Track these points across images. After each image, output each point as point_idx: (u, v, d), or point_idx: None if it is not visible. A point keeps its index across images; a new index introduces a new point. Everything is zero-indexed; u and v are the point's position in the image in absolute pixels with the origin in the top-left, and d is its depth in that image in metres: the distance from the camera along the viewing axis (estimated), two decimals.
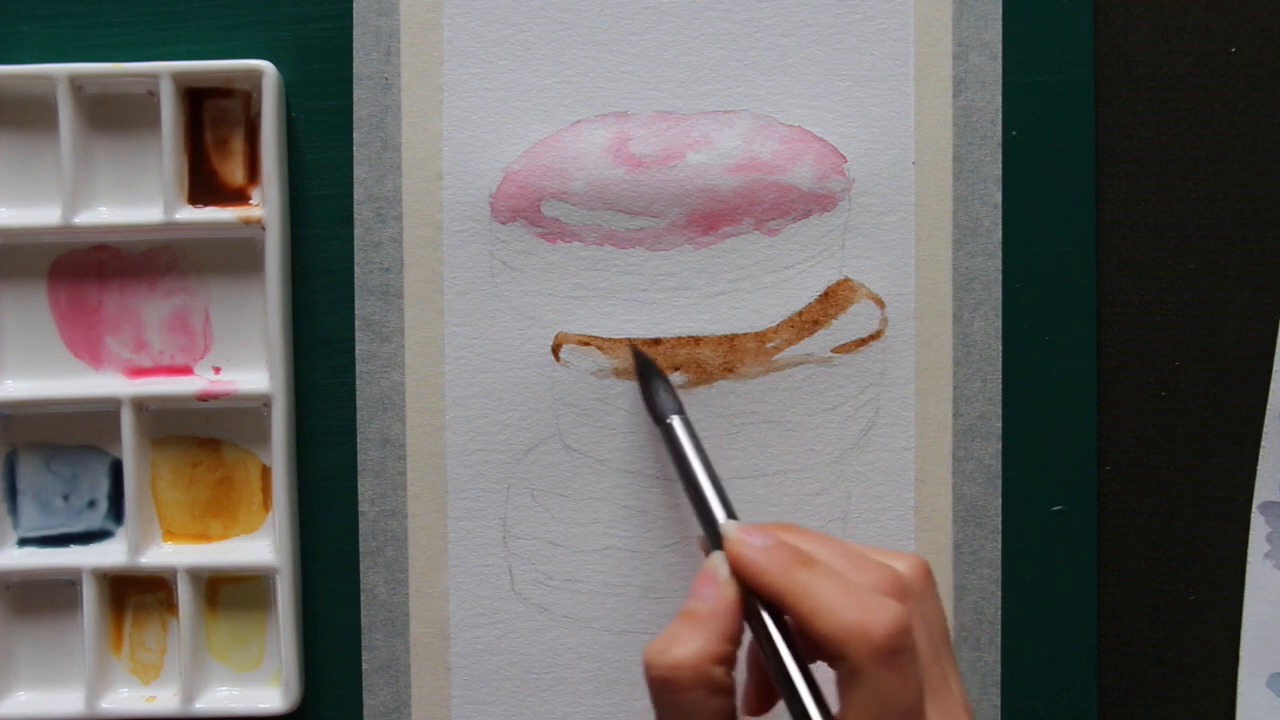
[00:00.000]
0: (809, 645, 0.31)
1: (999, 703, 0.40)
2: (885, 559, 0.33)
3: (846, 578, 0.31)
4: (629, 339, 0.39)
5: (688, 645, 0.30)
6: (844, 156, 0.40)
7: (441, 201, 0.40)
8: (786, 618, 0.32)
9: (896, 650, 0.29)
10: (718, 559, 0.33)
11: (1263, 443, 0.40)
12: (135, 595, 0.41)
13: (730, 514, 0.34)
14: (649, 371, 0.38)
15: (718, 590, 0.32)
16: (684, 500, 0.40)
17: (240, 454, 0.41)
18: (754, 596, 0.32)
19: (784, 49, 0.40)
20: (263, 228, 0.40)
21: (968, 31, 0.40)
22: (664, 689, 0.30)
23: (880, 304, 0.40)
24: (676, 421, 0.36)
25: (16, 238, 0.40)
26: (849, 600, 0.30)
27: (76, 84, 0.40)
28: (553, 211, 0.40)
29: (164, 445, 0.41)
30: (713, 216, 0.39)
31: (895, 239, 0.40)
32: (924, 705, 0.30)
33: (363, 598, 0.40)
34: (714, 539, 0.34)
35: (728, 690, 0.31)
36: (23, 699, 0.41)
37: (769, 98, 0.40)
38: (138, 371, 0.41)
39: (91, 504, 0.41)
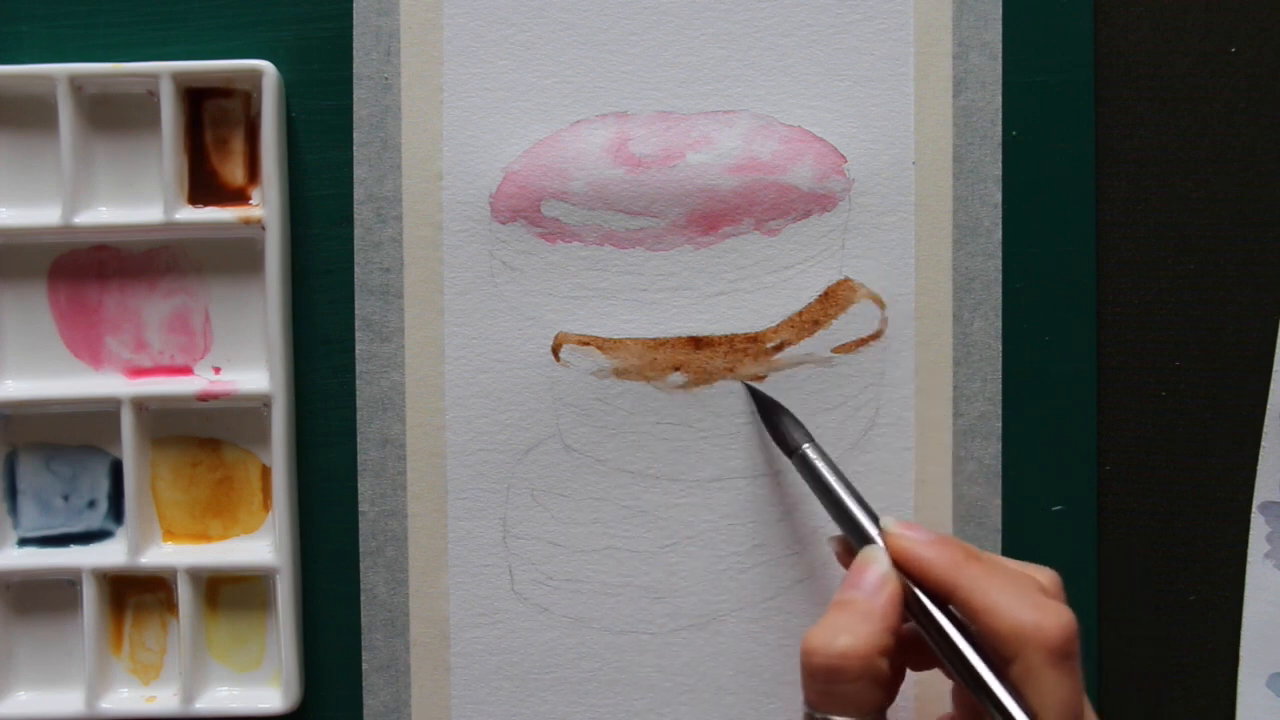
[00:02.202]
0: (973, 641, 0.32)
1: None
2: (1022, 568, 0.33)
3: (1013, 577, 0.32)
4: (743, 382, 0.40)
5: (855, 635, 0.31)
6: (844, 156, 0.40)
7: (441, 201, 0.40)
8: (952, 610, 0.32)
9: (1069, 654, 0.30)
10: (876, 552, 0.33)
11: (1263, 443, 0.40)
12: (135, 595, 0.41)
13: (875, 520, 0.35)
14: (771, 407, 0.39)
15: (880, 581, 0.32)
16: (684, 500, 0.40)
17: (240, 454, 0.41)
18: (920, 589, 0.32)
19: (784, 49, 0.40)
20: (263, 228, 0.40)
21: (968, 31, 0.40)
22: (830, 678, 0.31)
23: (880, 304, 0.40)
24: (809, 449, 0.37)
25: (16, 238, 0.40)
26: (1023, 600, 0.31)
27: (76, 84, 0.40)
28: (553, 211, 0.40)
29: (164, 445, 0.41)
30: (713, 216, 0.39)
31: (895, 239, 0.40)
32: (1085, 712, 0.31)
33: (363, 598, 0.40)
34: (864, 541, 0.34)
35: (887, 682, 0.31)
36: (23, 699, 0.41)
37: (769, 98, 0.40)
38: (138, 371, 0.41)
39: (91, 504, 0.41)
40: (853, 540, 0.35)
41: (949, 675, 0.34)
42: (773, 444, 0.40)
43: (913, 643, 0.34)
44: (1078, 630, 0.31)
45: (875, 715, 0.31)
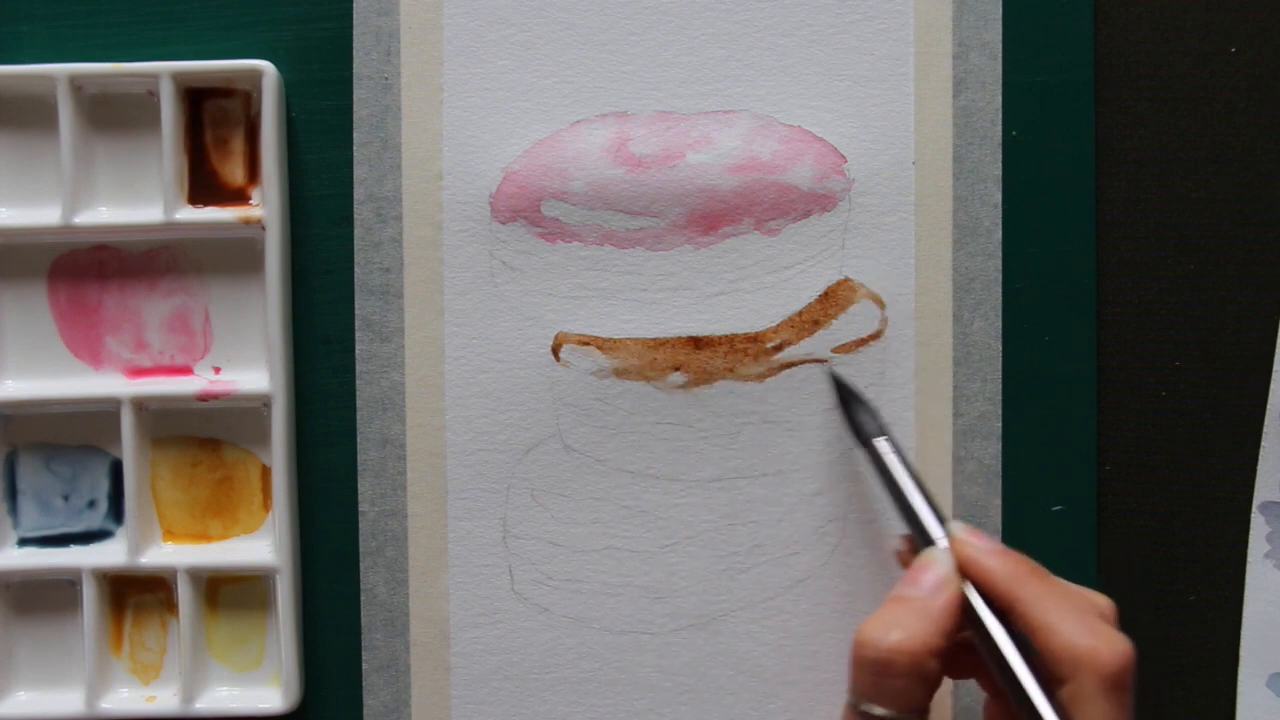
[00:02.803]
0: (1027, 656, 0.32)
1: None
2: (1082, 593, 0.33)
3: (1074, 599, 0.32)
4: (829, 367, 0.40)
5: (908, 631, 0.31)
6: (844, 156, 0.40)
7: (441, 201, 0.40)
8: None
9: (1123, 684, 0.30)
10: (938, 553, 0.33)
11: (1263, 443, 0.40)
12: (135, 595, 0.41)
13: (943, 521, 0.35)
14: (850, 396, 0.39)
15: (939, 583, 0.33)
16: (684, 500, 0.40)
17: (240, 454, 0.41)
18: (982, 597, 0.32)
19: (784, 49, 0.40)
20: (263, 228, 0.40)
21: (968, 31, 0.40)
22: (880, 670, 0.31)
23: (880, 304, 0.40)
24: (884, 442, 0.37)
25: (16, 238, 0.40)
26: (1083, 623, 0.31)
27: (76, 84, 0.40)
28: (553, 211, 0.40)
29: (164, 445, 0.41)
30: (713, 216, 0.39)
31: (895, 239, 0.40)
32: None
33: (363, 598, 0.40)
34: (926, 540, 0.34)
35: (933, 684, 0.31)
36: (23, 699, 0.41)
37: (769, 98, 0.40)
38: (138, 371, 0.41)
39: (91, 504, 0.41)
40: (917, 539, 0.35)
41: (987, 689, 0.34)
42: (773, 444, 0.40)
43: (953, 651, 0.34)
44: (1134, 661, 0.31)
45: (918, 713, 0.31)
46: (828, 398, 0.40)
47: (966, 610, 0.33)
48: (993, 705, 0.35)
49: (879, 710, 0.31)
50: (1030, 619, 0.31)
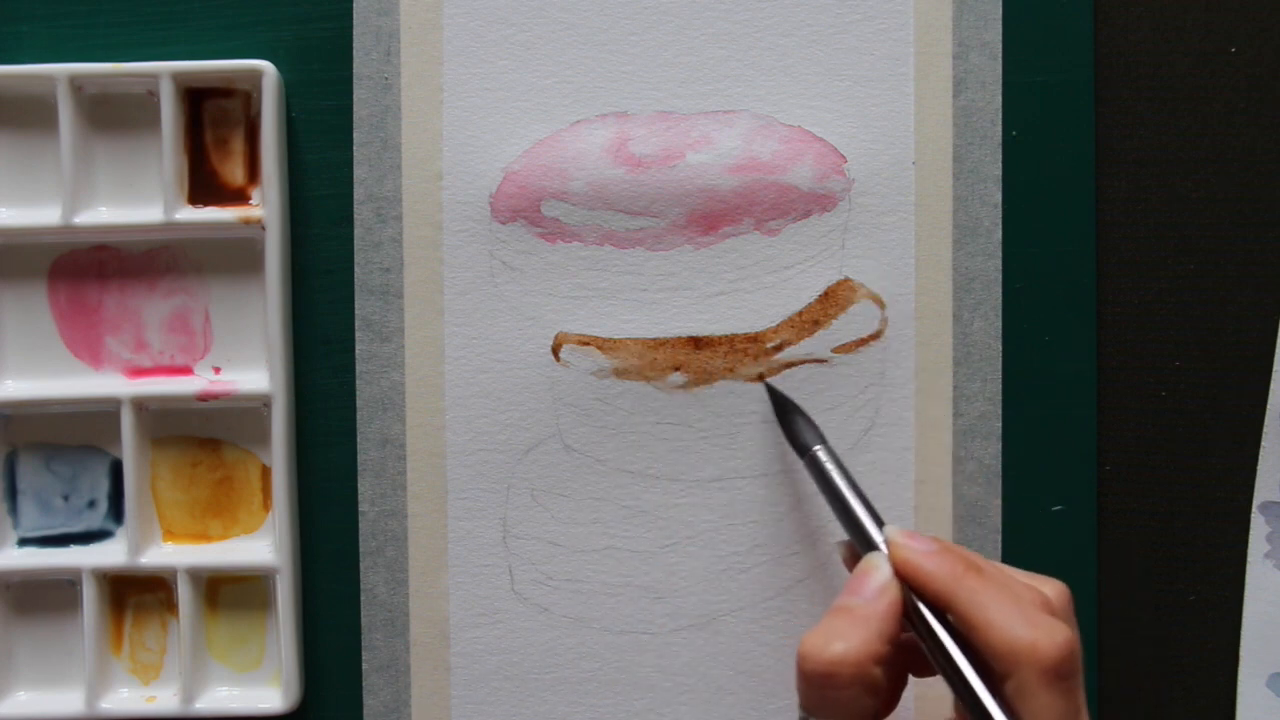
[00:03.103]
0: (971, 653, 0.32)
1: None
2: (1030, 580, 0.33)
3: (1013, 592, 0.31)
4: (765, 380, 0.40)
5: (849, 642, 0.31)
6: (844, 156, 0.40)
7: (441, 201, 0.40)
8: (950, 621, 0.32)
9: (1066, 674, 0.30)
10: (878, 559, 0.33)
11: (1263, 443, 0.40)
12: (135, 595, 0.41)
13: (881, 525, 0.35)
14: (786, 406, 0.39)
15: (879, 589, 0.32)
16: (684, 500, 0.40)
17: (240, 454, 0.41)
18: (919, 600, 0.32)
19: (784, 49, 0.40)
20: (263, 228, 0.40)
21: (968, 31, 0.40)
22: (823, 684, 0.30)
23: (880, 304, 0.40)
24: (820, 451, 0.37)
25: (16, 238, 0.40)
26: (1020, 616, 0.30)
27: (76, 84, 0.40)
28: (553, 211, 0.40)
29: (164, 445, 0.41)
30: (713, 216, 0.39)
31: (895, 239, 0.40)
32: None
33: (363, 598, 0.40)
34: (867, 545, 0.34)
35: (880, 691, 0.31)
36: (23, 699, 0.41)
37: (769, 98, 0.40)
38: (138, 371, 0.41)
39: (91, 504, 0.41)
40: (858, 545, 0.35)
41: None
42: (772, 445, 0.40)
43: (916, 649, 0.34)
44: (1078, 650, 0.30)
45: None
46: (828, 397, 0.40)
47: (910, 614, 0.32)
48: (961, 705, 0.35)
49: None
50: (968, 617, 0.31)
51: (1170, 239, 0.40)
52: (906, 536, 0.33)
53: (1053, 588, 0.33)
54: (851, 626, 0.31)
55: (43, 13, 0.40)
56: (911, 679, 0.36)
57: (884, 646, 0.31)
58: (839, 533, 0.40)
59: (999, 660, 0.30)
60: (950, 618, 0.32)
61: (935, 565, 0.32)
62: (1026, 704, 0.30)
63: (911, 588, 0.32)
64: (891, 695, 0.35)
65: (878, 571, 0.33)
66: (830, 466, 0.36)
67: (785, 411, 0.39)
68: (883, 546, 0.34)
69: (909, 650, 0.33)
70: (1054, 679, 0.30)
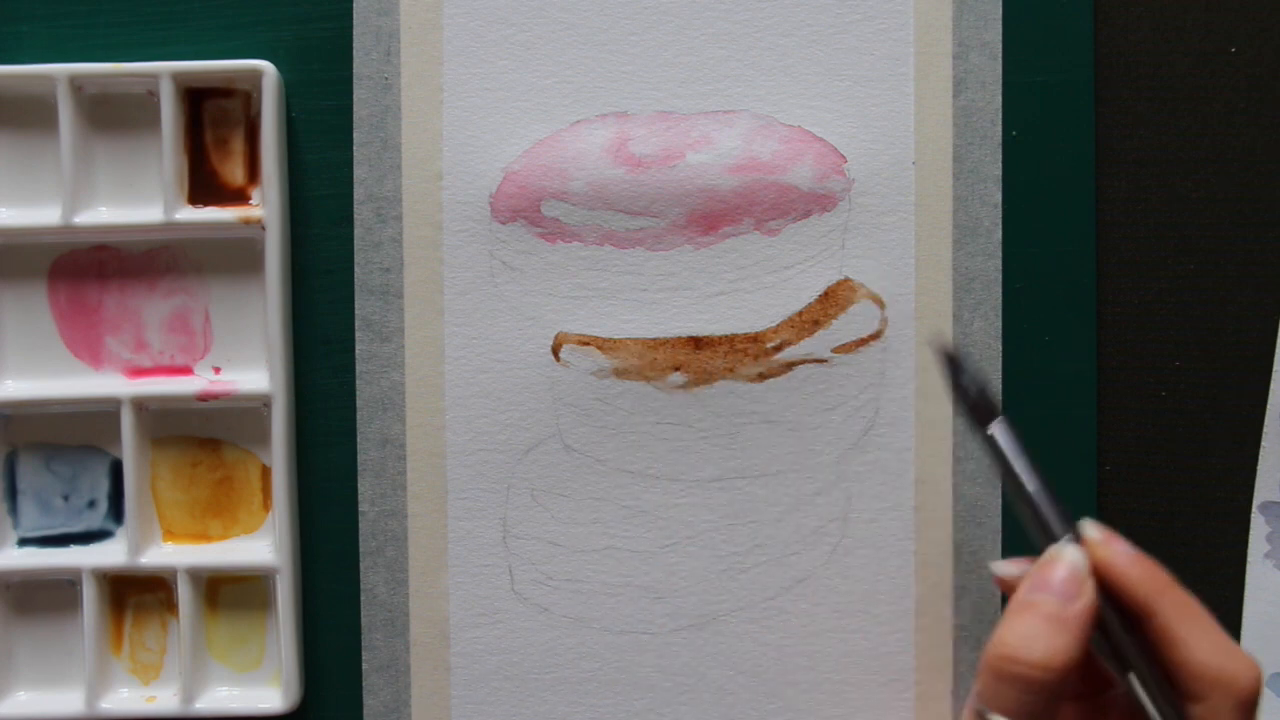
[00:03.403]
0: (1152, 668, 0.31)
1: None
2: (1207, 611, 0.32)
3: (1209, 615, 0.31)
4: (939, 339, 0.38)
5: (1052, 646, 0.30)
6: (844, 156, 0.40)
7: (441, 201, 0.40)
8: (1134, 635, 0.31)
9: (1254, 708, 0.29)
10: (1069, 550, 0.31)
11: (1263, 443, 0.40)
12: (135, 595, 0.41)
13: (1071, 525, 0.32)
14: (964, 377, 0.35)
15: (1076, 588, 0.31)
16: (684, 500, 0.40)
17: (240, 454, 0.41)
18: (1114, 605, 0.31)
19: (784, 49, 0.40)
20: (263, 228, 0.40)
21: (968, 31, 0.40)
22: (1023, 688, 0.29)
23: (880, 304, 0.40)
24: (999, 428, 0.33)
25: (16, 238, 0.40)
26: (1220, 642, 0.30)
27: (76, 84, 0.40)
28: (553, 211, 0.40)
29: (164, 445, 0.41)
30: (713, 216, 0.39)
31: (895, 239, 0.40)
32: None
33: (363, 598, 0.40)
34: (1050, 539, 0.32)
35: (1064, 696, 0.30)
36: (23, 699, 0.41)
37: (769, 98, 0.40)
38: (138, 371, 0.41)
39: (91, 504, 0.41)
40: (1038, 537, 0.32)
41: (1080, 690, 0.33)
42: (773, 444, 0.40)
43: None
44: (1262, 685, 0.30)
45: None
46: (828, 397, 0.40)
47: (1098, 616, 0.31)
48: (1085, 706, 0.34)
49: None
50: (1168, 631, 0.30)
51: (1170, 239, 0.40)
52: (1107, 535, 0.32)
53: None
54: (1052, 630, 0.30)
55: (43, 13, 0.40)
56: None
57: (1081, 653, 0.30)
58: (848, 530, 0.39)
59: (1194, 682, 0.30)
60: (1145, 629, 0.31)
61: (1140, 572, 0.31)
62: None
63: (1109, 591, 0.31)
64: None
65: (1071, 566, 0.31)
66: (1014, 448, 0.33)
67: (963, 381, 0.34)
68: (1067, 543, 0.32)
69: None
70: (1246, 711, 0.29)
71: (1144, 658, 0.31)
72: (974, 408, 0.34)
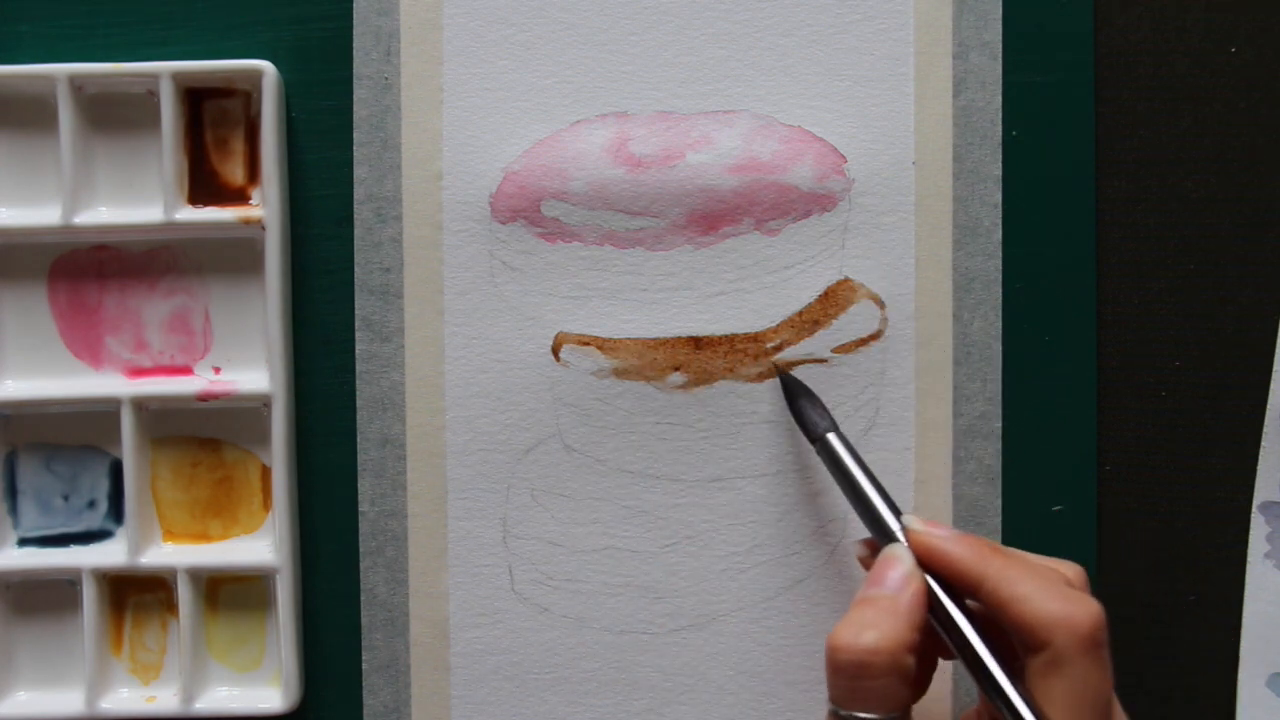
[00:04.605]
0: (999, 633, 0.33)
1: None
2: (1047, 562, 0.34)
3: (1038, 570, 0.32)
4: (775, 362, 0.40)
5: (881, 630, 0.31)
6: (844, 156, 0.40)
7: (441, 201, 0.40)
8: (970, 605, 0.33)
9: (1100, 643, 0.31)
10: (899, 549, 0.34)
11: (1263, 443, 0.40)
12: (135, 595, 0.41)
13: (898, 514, 0.35)
14: (797, 391, 0.39)
15: (904, 578, 0.33)
16: (684, 500, 0.40)
17: (240, 454, 0.41)
18: (941, 585, 0.33)
19: (784, 49, 0.40)
20: (263, 228, 0.40)
21: (968, 31, 0.40)
22: (857, 674, 0.31)
23: (880, 304, 0.40)
24: (832, 438, 0.37)
25: (16, 238, 0.40)
26: (1050, 591, 0.31)
27: (76, 84, 0.40)
28: (553, 211, 0.40)
29: (164, 445, 0.41)
30: (713, 216, 0.39)
31: (895, 239, 0.40)
32: (1114, 701, 0.32)
33: (363, 598, 0.40)
34: (886, 536, 0.35)
35: (911, 678, 0.32)
36: (23, 699, 0.41)
37: (769, 98, 0.40)
38: (138, 371, 0.41)
39: (91, 504, 0.41)
40: (873, 532, 0.35)
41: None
42: (773, 444, 0.40)
43: (933, 638, 0.34)
44: (1106, 621, 0.31)
45: (901, 712, 0.31)
46: (828, 397, 0.40)
47: (931, 603, 0.33)
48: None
49: (862, 715, 0.31)
50: (999, 594, 0.32)
51: (1170, 239, 0.40)
52: (926, 524, 0.34)
53: (1070, 569, 0.34)
54: (881, 616, 0.32)
55: (43, 13, 0.40)
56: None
57: (914, 634, 0.32)
58: (848, 530, 0.39)
59: (1033, 633, 0.31)
60: (979, 598, 0.32)
61: (960, 549, 0.33)
62: (1064, 672, 0.30)
63: (935, 573, 0.33)
64: (922, 681, 0.35)
65: (900, 561, 0.33)
66: (843, 453, 0.36)
67: (795, 396, 0.39)
68: (900, 534, 0.34)
69: (936, 635, 0.34)
70: (1091, 647, 0.30)
71: (979, 634, 0.32)
72: (810, 421, 0.37)
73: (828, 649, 0.31)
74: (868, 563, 0.36)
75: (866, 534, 0.36)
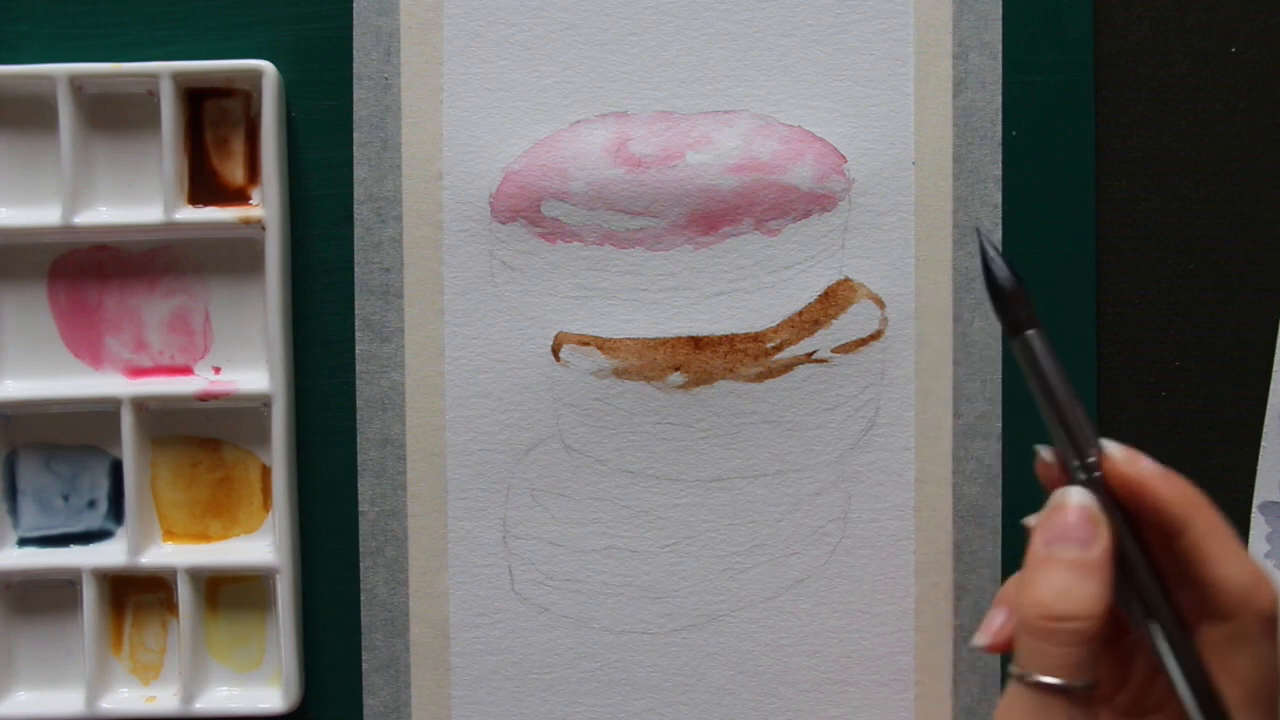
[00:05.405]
0: (1180, 586, 0.31)
1: None
2: None
3: (1235, 534, 0.30)
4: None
5: (1085, 596, 0.29)
6: (844, 156, 0.40)
7: (441, 201, 0.40)
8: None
9: (1276, 628, 0.29)
10: (1084, 498, 0.31)
11: (1263, 443, 0.40)
12: (135, 595, 0.41)
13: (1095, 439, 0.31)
14: (1004, 279, 0.32)
15: (1094, 533, 0.30)
16: (684, 500, 0.40)
17: (240, 454, 0.41)
18: (1145, 521, 0.30)
19: (784, 49, 0.40)
20: (263, 228, 0.40)
21: (968, 31, 0.40)
22: (1072, 641, 0.29)
23: (880, 304, 0.40)
24: (1034, 335, 0.32)
25: (16, 238, 0.40)
26: (1247, 561, 0.29)
27: (76, 84, 0.40)
28: (553, 211, 0.40)
29: (164, 445, 0.41)
30: (713, 216, 0.39)
31: (895, 239, 0.40)
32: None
33: (363, 598, 0.40)
34: (1081, 458, 0.31)
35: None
36: (23, 699, 0.41)
37: (769, 98, 0.40)
38: (138, 371, 0.41)
39: (91, 504, 0.41)
40: (1065, 450, 0.31)
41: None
42: (773, 444, 0.40)
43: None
44: None
45: (1091, 680, 0.29)
46: (828, 397, 0.40)
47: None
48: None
49: (1056, 681, 0.29)
50: (1200, 548, 0.29)
51: (1170, 239, 0.40)
52: (1127, 452, 0.31)
53: None
54: (1081, 579, 0.29)
55: (43, 13, 0.40)
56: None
57: (1112, 597, 0.30)
58: (848, 530, 0.39)
59: (1224, 599, 0.29)
60: (1177, 545, 0.30)
61: (1170, 489, 0.30)
62: (1245, 648, 0.29)
63: (1131, 505, 0.31)
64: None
65: (1086, 512, 0.30)
66: (1043, 357, 0.32)
67: (997, 279, 0.32)
68: (1093, 461, 0.31)
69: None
70: (1271, 631, 0.29)
71: (1163, 596, 0.31)
72: (1011, 314, 0.32)
73: (1029, 613, 0.29)
74: (1049, 475, 0.32)
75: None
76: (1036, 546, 0.31)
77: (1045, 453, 0.33)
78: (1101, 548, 0.30)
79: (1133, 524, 0.31)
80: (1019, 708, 0.30)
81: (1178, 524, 0.30)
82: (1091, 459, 0.31)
